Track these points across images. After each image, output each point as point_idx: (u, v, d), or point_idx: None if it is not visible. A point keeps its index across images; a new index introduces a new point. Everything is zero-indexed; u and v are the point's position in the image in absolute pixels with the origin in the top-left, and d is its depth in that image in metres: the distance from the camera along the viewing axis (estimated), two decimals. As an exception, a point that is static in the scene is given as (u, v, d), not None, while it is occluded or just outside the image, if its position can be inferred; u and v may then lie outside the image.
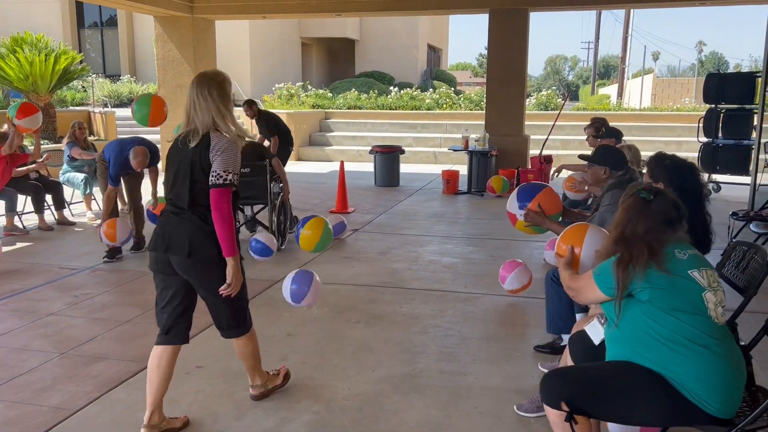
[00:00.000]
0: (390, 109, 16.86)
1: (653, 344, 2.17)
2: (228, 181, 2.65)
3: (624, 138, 7.21)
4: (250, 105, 8.90)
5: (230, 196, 2.68)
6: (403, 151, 10.90)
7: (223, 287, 2.72)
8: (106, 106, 14.60)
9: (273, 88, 18.22)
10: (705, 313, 2.15)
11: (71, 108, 14.97)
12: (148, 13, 11.57)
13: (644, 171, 3.39)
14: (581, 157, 4.15)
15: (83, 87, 16.84)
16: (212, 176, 2.63)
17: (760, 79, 8.49)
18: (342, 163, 8.95)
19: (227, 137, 2.70)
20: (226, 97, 2.75)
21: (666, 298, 2.15)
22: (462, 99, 17.74)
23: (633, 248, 2.22)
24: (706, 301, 2.16)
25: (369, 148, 11.43)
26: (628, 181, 3.63)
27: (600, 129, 6.72)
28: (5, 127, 6.72)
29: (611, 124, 7.27)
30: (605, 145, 4.43)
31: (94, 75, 15.72)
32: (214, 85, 2.71)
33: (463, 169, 10.71)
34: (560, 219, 3.67)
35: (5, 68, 11.50)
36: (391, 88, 19.58)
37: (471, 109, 16.91)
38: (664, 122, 14.73)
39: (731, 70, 37.54)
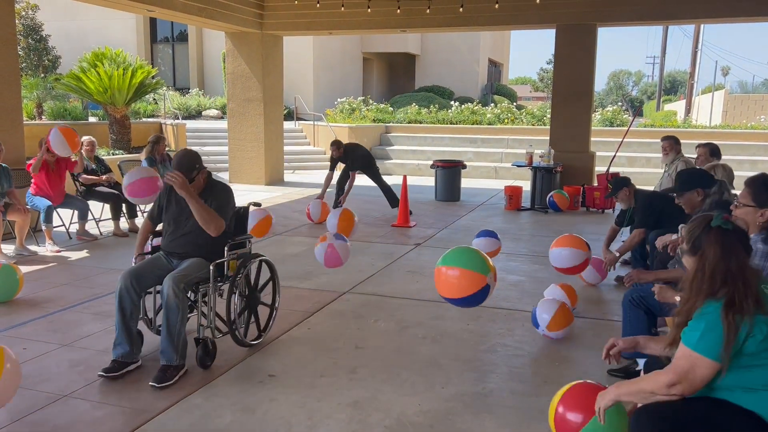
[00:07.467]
0: (450, 124, 16.86)
1: (756, 388, 2.04)
2: None
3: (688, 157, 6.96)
4: (337, 147, 8.69)
5: None
6: (464, 166, 10.85)
7: None
8: (176, 118, 15.17)
9: (335, 102, 18.55)
10: None
11: (144, 120, 15.62)
12: (220, 29, 11.99)
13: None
14: (667, 190, 4.09)
15: (154, 99, 17.57)
16: None
17: None
18: (405, 177, 8.98)
19: None
20: None
21: None
22: (524, 114, 17.56)
23: (737, 289, 1.99)
24: None
25: (429, 162, 11.44)
26: (725, 201, 3.52)
27: (714, 151, 6.28)
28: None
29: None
30: (684, 170, 4.31)
31: (165, 88, 16.39)
32: None
33: (524, 185, 10.60)
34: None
35: (86, 82, 12.12)
36: (452, 102, 19.57)
37: (533, 124, 16.72)
38: (738, 140, 14.17)
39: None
